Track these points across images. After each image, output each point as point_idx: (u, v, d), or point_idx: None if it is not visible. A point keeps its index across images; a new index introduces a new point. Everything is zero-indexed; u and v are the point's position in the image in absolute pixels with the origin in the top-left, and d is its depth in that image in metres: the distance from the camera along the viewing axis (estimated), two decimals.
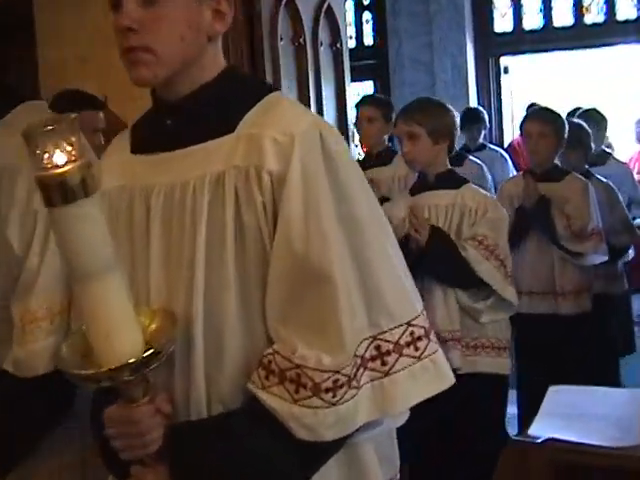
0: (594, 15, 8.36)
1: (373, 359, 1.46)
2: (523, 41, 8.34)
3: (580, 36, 8.26)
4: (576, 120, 4.60)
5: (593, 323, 4.15)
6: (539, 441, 2.12)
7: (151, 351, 1.37)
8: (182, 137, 1.54)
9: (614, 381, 4.39)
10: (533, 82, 9.89)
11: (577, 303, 4.09)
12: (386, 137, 4.71)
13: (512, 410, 4.24)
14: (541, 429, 2.18)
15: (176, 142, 1.54)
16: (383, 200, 3.83)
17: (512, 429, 4.04)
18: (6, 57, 5.45)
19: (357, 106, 5.15)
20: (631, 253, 4.94)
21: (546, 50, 8.65)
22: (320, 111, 5.48)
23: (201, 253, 1.45)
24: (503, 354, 3.33)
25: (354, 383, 1.42)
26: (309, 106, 5.36)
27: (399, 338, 1.48)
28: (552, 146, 4.14)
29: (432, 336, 1.53)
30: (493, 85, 8.48)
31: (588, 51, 8.90)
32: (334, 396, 1.40)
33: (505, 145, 7.98)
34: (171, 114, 1.57)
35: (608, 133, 5.76)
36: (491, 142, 7.50)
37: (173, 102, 1.57)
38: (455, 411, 3.20)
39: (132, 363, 1.35)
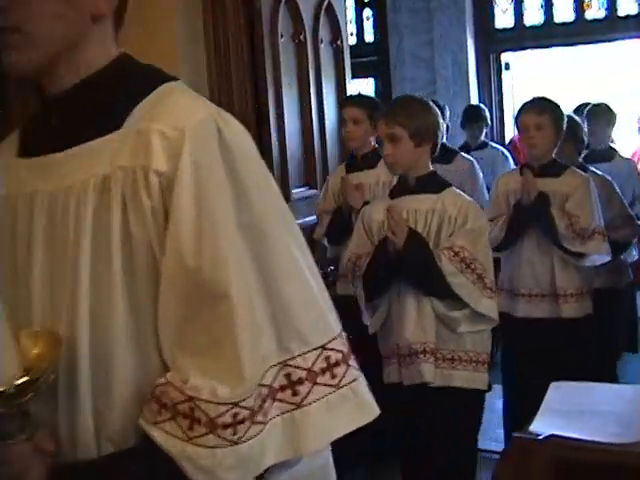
0: (595, 11, 8.33)
1: (283, 389, 1.28)
2: (524, 37, 8.32)
3: (581, 32, 8.24)
4: (567, 112, 4.42)
5: (595, 323, 4.03)
6: (540, 438, 2.12)
7: (25, 378, 1.20)
8: (67, 136, 1.34)
9: (612, 380, 4.33)
10: (534, 78, 9.87)
11: (579, 305, 3.93)
12: (373, 139, 4.47)
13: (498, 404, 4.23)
14: (542, 426, 2.18)
15: (62, 142, 1.33)
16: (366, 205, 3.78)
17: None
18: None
19: (341, 107, 4.97)
20: (635, 254, 4.92)
21: (547, 46, 8.62)
22: (321, 108, 5.48)
23: (85, 271, 1.27)
24: (481, 368, 3.17)
25: (259, 417, 1.24)
26: (310, 104, 5.36)
27: (313, 364, 1.31)
28: (550, 138, 3.93)
29: (352, 361, 1.36)
30: (494, 81, 8.46)
31: (589, 47, 8.88)
32: (234, 433, 1.21)
33: (506, 142, 7.96)
34: (55, 110, 1.37)
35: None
36: (492, 139, 7.49)
37: (57, 95, 1.37)
38: (428, 425, 3.16)
39: (1, 392, 1.18)
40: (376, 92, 8.92)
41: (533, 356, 3.89)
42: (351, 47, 6.18)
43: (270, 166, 5.10)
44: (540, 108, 3.97)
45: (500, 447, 3.43)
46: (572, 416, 2.22)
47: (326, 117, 5.56)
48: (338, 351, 1.34)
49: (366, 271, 3.27)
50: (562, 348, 3.86)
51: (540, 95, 4.35)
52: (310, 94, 5.41)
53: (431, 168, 3.31)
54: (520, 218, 3.91)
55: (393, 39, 8.20)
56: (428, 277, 3.14)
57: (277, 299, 1.28)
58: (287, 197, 5.13)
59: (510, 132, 8.58)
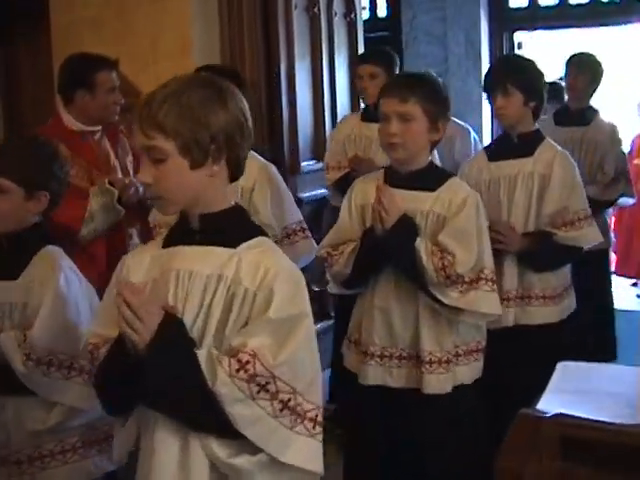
0: None
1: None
2: (538, 17, 8.25)
3: (595, 14, 8.17)
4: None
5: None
6: (548, 415, 2.12)
7: None
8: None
9: None
10: (547, 58, 9.82)
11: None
12: None
13: None
14: (550, 404, 2.18)
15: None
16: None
17: None
18: (16, 23, 5.44)
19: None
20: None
21: (561, 27, 8.56)
22: (332, 81, 5.47)
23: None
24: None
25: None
26: (322, 77, 5.34)
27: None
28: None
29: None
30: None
31: (603, 29, 8.82)
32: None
33: None
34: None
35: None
36: None
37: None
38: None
39: None
40: None
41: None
42: (364, 22, 6.16)
43: (280, 139, 5.09)
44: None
45: None
46: (580, 395, 2.22)
47: (337, 91, 5.54)
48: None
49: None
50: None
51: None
52: (322, 67, 5.39)
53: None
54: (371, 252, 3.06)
55: (406, 15, 8.14)
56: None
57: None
58: (296, 170, 5.13)
59: None
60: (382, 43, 8.46)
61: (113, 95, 3.96)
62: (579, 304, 3.86)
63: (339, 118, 5.34)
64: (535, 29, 8.57)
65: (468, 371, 3.11)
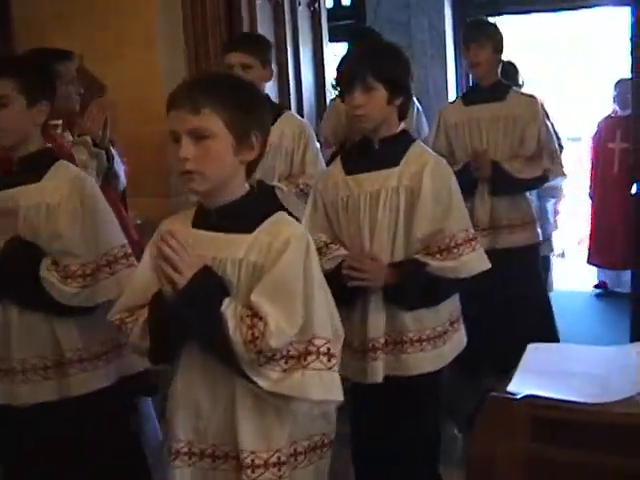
0: None
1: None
2: (501, 2, 8.28)
3: None
4: None
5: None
6: (518, 397, 2.13)
7: None
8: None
9: None
10: (511, 43, 9.86)
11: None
12: None
13: None
14: (520, 386, 2.19)
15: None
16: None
17: None
18: None
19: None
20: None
21: (524, 12, 8.59)
22: (297, 71, 5.45)
23: None
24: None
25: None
26: (286, 66, 5.32)
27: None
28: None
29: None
30: None
31: (566, 13, 8.86)
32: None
33: None
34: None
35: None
36: None
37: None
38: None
39: None
40: None
41: None
42: (328, 10, 6.15)
43: None
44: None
45: None
46: (549, 376, 2.23)
47: (303, 81, 5.53)
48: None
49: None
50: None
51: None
52: (287, 56, 5.37)
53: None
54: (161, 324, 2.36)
55: (370, 2, 8.13)
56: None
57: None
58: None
59: None
60: (346, 31, 8.49)
61: (74, 86, 3.95)
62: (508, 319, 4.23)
63: (305, 107, 5.34)
64: (499, 14, 8.59)
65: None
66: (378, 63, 2.88)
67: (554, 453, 2.03)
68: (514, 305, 4.36)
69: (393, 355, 2.95)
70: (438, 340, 2.99)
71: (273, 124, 3.45)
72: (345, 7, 8.65)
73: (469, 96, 4.68)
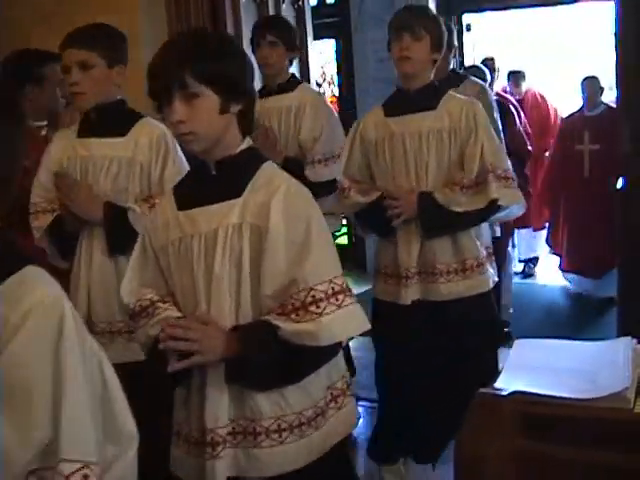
0: None
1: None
2: None
3: None
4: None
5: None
6: (505, 394, 2.13)
7: None
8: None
9: None
10: (495, 40, 9.90)
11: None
12: None
13: None
14: (507, 382, 2.19)
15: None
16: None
17: None
18: None
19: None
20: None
21: (507, 7, 8.61)
22: None
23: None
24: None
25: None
26: None
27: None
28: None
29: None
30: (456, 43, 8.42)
31: (550, 8, 8.89)
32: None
33: None
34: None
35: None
36: None
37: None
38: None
39: None
40: (337, 53, 8.87)
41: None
42: (312, 8, 6.13)
43: None
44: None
45: None
46: (537, 372, 2.23)
47: None
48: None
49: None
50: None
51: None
52: None
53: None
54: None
55: (354, 0, 8.13)
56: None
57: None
58: None
59: None
60: (331, 29, 8.49)
61: (60, 88, 3.94)
62: None
63: None
64: (483, 10, 8.61)
65: None
66: (200, 61, 2.18)
67: (544, 449, 2.03)
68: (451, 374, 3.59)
69: (243, 452, 2.29)
70: (306, 427, 2.31)
71: (126, 133, 3.28)
72: (329, 5, 8.67)
73: (392, 104, 3.66)
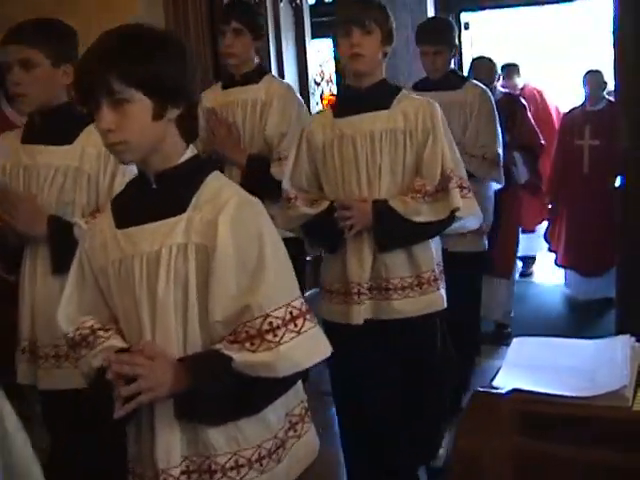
0: None
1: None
2: None
3: None
4: None
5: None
6: (503, 392, 2.13)
7: None
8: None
9: None
10: (494, 38, 9.90)
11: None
12: None
13: None
14: (505, 380, 2.19)
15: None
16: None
17: None
18: None
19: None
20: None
21: (506, 6, 8.62)
22: (280, 68, 5.44)
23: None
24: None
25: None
26: (269, 62, 5.31)
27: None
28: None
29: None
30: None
31: (547, 7, 8.90)
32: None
33: None
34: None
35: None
36: None
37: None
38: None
39: None
40: (335, 52, 8.85)
41: None
42: (310, 6, 6.13)
43: None
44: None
45: None
46: (535, 371, 2.23)
47: (286, 76, 5.51)
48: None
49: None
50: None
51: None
52: (270, 53, 5.35)
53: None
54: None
55: None
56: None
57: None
58: None
59: None
60: (329, 28, 8.46)
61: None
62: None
63: None
64: (481, 9, 8.60)
65: None
66: (128, 62, 1.94)
67: (543, 448, 2.02)
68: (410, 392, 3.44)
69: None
70: (267, 461, 2.11)
71: (73, 141, 2.99)
72: (327, 3, 8.64)
73: (341, 104, 3.47)
